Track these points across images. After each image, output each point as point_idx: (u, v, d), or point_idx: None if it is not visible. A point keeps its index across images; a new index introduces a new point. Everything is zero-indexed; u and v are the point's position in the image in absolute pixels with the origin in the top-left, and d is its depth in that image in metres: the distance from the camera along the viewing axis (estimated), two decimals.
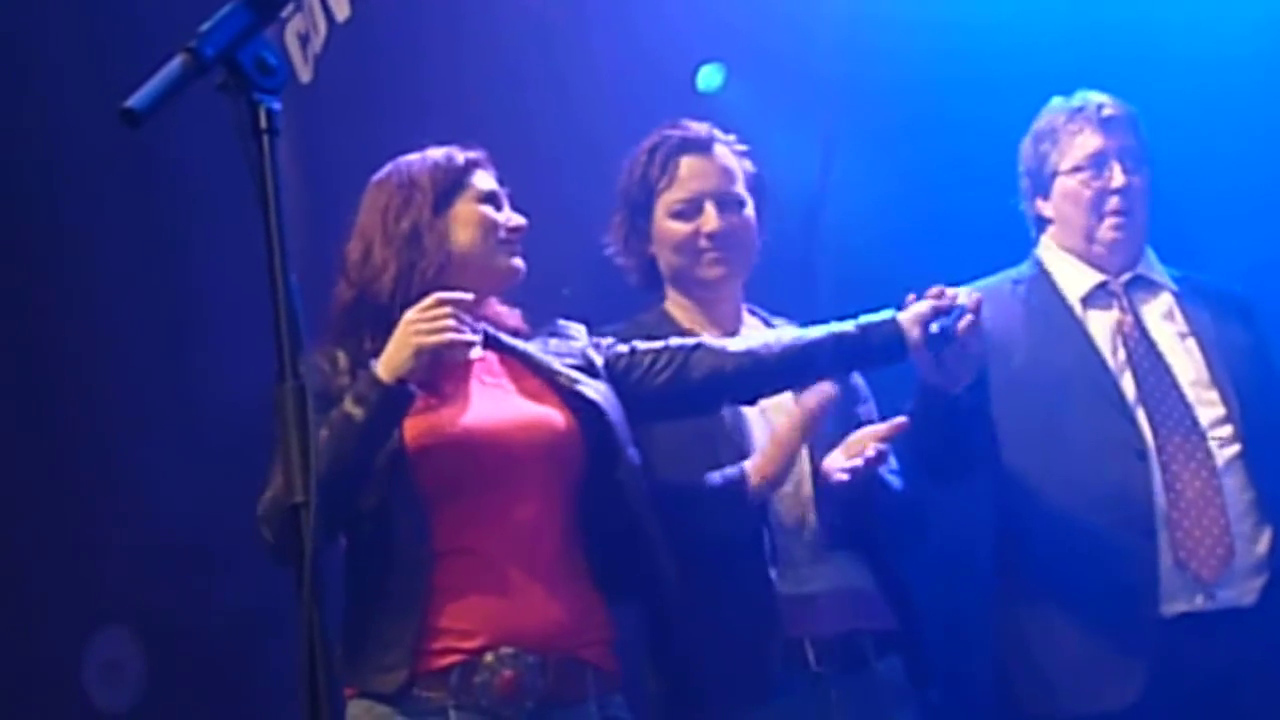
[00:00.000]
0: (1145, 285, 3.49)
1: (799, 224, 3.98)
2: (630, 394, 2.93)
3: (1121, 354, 3.39)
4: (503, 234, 2.92)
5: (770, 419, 3.12)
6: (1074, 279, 3.48)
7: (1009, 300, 3.46)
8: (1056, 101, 3.53)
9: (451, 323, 2.68)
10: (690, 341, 2.99)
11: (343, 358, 2.82)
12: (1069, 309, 3.45)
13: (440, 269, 2.84)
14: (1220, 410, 3.34)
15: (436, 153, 2.95)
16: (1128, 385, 3.36)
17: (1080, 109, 3.49)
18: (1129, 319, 3.43)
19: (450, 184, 2.91)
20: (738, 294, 3.28)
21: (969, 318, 2.91)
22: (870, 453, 3.03)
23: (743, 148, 3.28)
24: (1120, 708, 3.21)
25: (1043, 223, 3.56)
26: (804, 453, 3.09)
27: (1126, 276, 3.48)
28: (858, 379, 3.26)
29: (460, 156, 2.94)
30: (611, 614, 2.86)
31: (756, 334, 3.11)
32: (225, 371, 3.61)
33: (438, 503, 2.75)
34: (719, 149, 3.24)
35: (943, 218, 3.94)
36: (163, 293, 4.03)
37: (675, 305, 3.26)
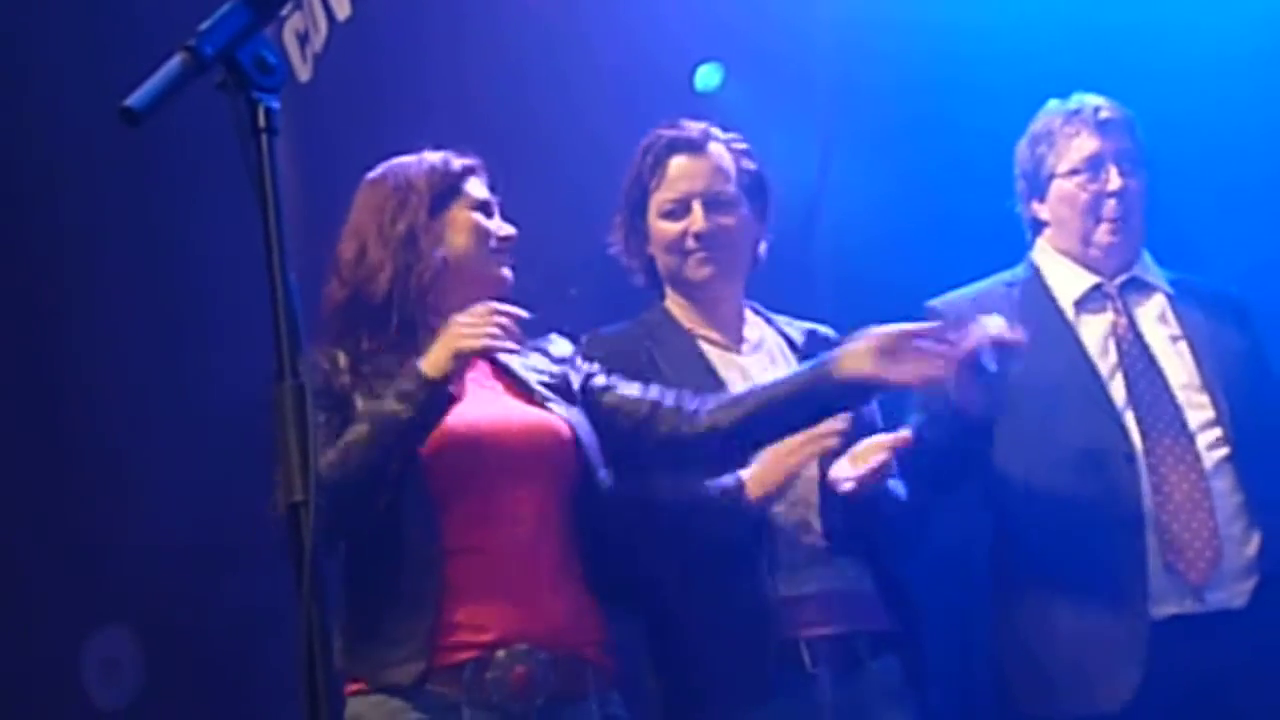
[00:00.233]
0: (1140, 287, 3.49)
1: (797, 224, 3.98)
2: (603, 425, 2.95)
3: (1114, 356, 3.39)
4: (494, 243, 2.94)
5: None
6: (1068, 282, 3.48)
7: (1002, 303, 3.46)
8: (1053, 104, 3.53)
9: (496, 330, 2.70)
10: (666, 400, 2.95)
11: (343, 357, 2.84)
12: (1061, 314, 3.44)
13: (436, 274, 2.86)
14: (1209, 413, 3.34)
15: (433, 156, 2.96)
16: (1118, 388, 3.36)
17: (1077, 111, 3.48)
18: (1123, 320, 3.43)
19: (446, 189, 2.92)
20: (736, 294, 3.26)
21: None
22: (875, 464, 3.03)
23: (742, 146, 3.26)
24: (1115, 709, 3.22)
25: (1038, 225, 3.55)
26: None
27: (1122, 279, 3.48)
28: None
29: (456, 162, 2.96)
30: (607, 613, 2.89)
31: (728, 396, 3.02)
32: (226, 371, 3.61)
33: (447, 501, 2.77)
34: (713, 148, 3.21)
35: (941, 219, 3.94)
36: (163, 293, 4.04)
37: (675, 304, 3.26)
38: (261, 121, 1.89)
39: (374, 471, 2.69)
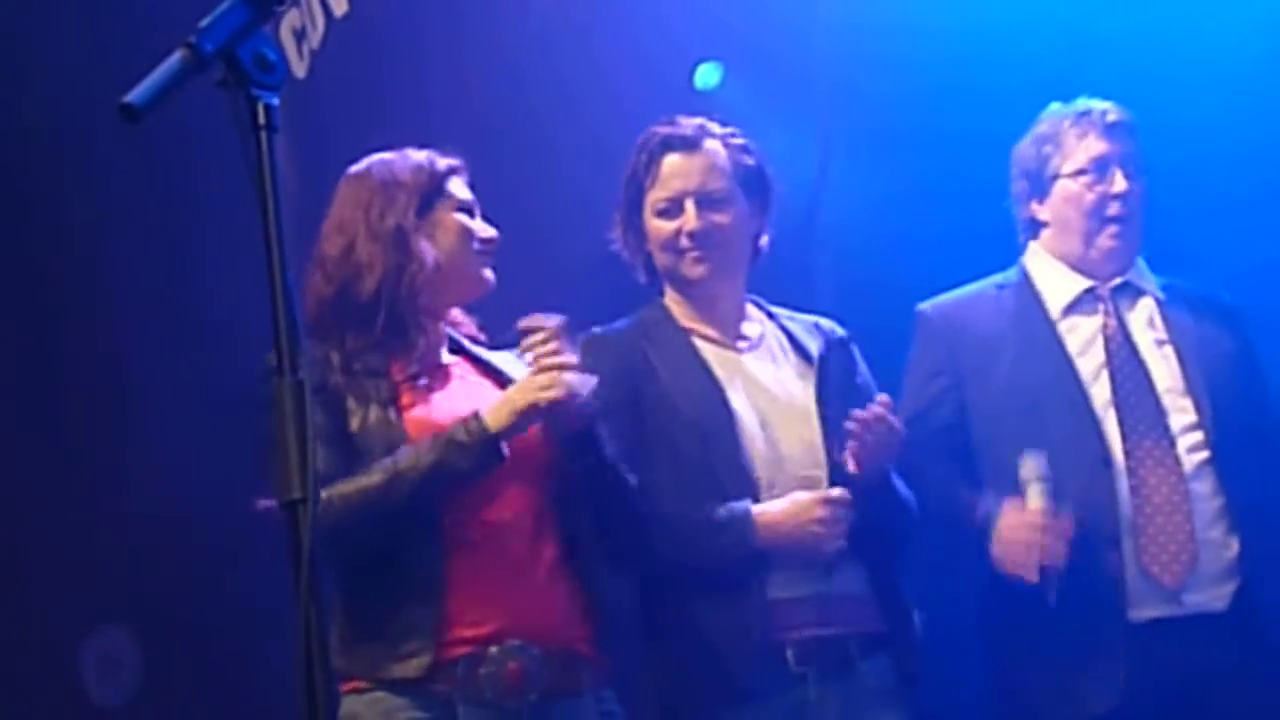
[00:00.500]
0: (1131, 292, 3.50)
1: (797, 224, 3.98)
2: None
3: (1102, 359, 3.40)
4: (478, 244, 2.93)
5: (772, 434, 3.10)
6: (1058, 288, 3.48)
7: (993, 305, 3.48)
8: (1058, 106, 3.54)
9: (572, 389, 2.72)
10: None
11: (335, 356, 2.82)
12: (1049, 321, 3.45)
13: (429, 275, 2.84)
14: (1192, 417, 3.35)
15: (417, 155, 2.95)
16: (1103, 391, 3.37)
17: (1085, 113, 3.49)
18: (1113, 323, 3.44)
19: (432, 188, 2.91)
20: (735, 292, 3.25)
21: None
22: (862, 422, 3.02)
23: (740, 141, 3.23)
24: (1101, 712, 3.23)
25: (1035, 226, 3.55)
26: (822, 476, 3.09)
27: (1115, 282, 3.48)
28: (863, 369, 3.26)
29: (441, 162, 2.94)
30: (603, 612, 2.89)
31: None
32: (226, 370, 3.61)
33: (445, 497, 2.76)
34: (708, 144, 3.19)
35: (940, 219, 3.94)
36: (163, 291, 4.03)
37: (673, 301, 3.26)
38: (261, 118, 1.88)
39: (411, 511, 2.70)
